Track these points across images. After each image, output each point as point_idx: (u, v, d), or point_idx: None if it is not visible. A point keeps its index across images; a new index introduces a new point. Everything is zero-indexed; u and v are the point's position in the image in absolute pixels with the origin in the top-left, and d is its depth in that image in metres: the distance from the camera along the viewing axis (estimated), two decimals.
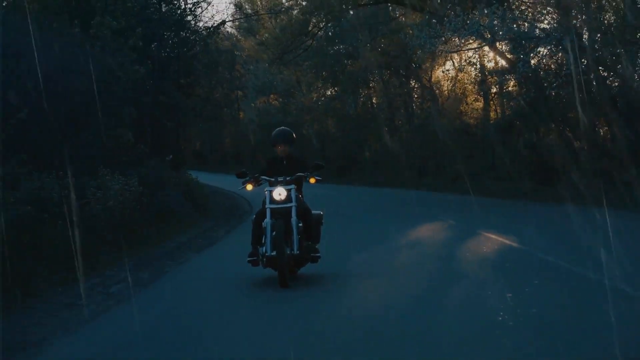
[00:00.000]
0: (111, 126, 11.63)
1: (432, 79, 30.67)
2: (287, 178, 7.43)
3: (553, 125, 22.52)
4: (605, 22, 19.32)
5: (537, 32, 18.97)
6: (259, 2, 36.78)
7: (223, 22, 23.00)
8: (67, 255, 7.30)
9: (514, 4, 20.92)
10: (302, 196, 7.70)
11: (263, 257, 7.24)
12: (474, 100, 28.77)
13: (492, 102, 26.66)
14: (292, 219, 7.19)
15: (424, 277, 7.69)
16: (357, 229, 13.05)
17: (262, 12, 29.16)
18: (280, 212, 7.19)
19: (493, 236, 10.65)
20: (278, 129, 8.00)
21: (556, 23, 19.40)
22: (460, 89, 28.32)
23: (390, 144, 31.72)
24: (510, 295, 6.22)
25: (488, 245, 9.99)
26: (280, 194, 7.25)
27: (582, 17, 19.82)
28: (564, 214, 13.56)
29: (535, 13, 21.02)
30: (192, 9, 16.59)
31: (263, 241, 7.23)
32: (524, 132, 23.53)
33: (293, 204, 7.26)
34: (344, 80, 33.19)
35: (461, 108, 29.06)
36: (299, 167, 7.64)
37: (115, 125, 11.77)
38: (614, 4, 18.69)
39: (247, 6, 44.69)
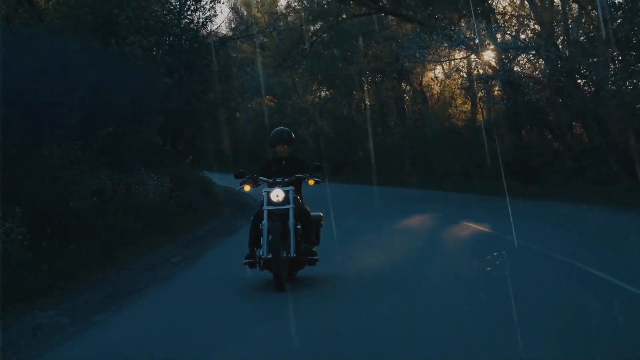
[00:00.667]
0: (143, 131, 13.65)
1: (423, 83, 32.74)
2: (286, 179, 7.47)
3: (533, 128, 24.71)
4: (581, 34, 21.47)
5: (519, 42, 21.14)
6: (256, 9, 38.59)
7: (233, 37, 24.96)
8: (131, 235, 9.46)
9: (498, 14, 23.15)
10: (301, 198, 7.70)
11: (260, 259, 7.26)
12: (462, 103, 30.85)
13: (479, 105, 28.70)
14: (289, 221, 7.20)
15: (411, 250, 9.84)
16: (353, 221, 14.91)
17: (264, 26, 31.05)
18: (278, 214, 7.20)
19: (471, 224, 12.72)
20: (277, 129, 7.99)
21: (536, 35, 21.61)
22: (448, 93, 30.39)
23: (383, 144, 33.83)
24: (474, 261, 8.57)
25: (466, 231, 12.09)
26: (278, 196, 7.27)
27: (560, 29, 22.03)
28: (538, 208, 15.65)
29: (518, 25, 23.25)
30: (205, 23, 18.56)
31: (261, 243, 7.24)
32: (507, 134, 25.66)
33: (291, 205, 7.27)
34: (339, 83, 35.34)
35: (450, 111, 31.17)
36: (298, 168, 7.65)
37: (147, 131, 13.79)
38: (587, 19, 20.78)
39: (243, 10, 46.78)
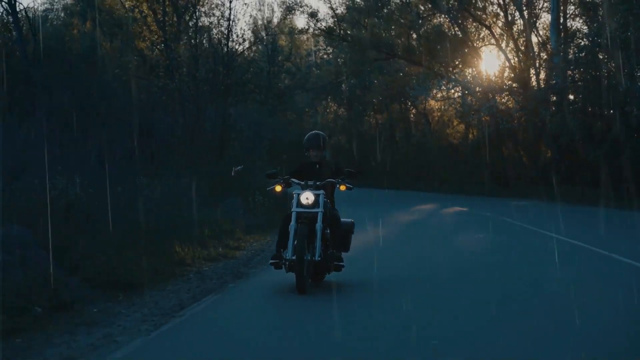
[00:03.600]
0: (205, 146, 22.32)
1: (426, 107, 41.72)
2: (317, 183, 7.60)
3: (509, 146, 33.72)
4: (541, 80, 30.52)
5: (497, 85, 30.20)
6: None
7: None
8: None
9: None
10: (332, 203, 7.85)
11: (286, 260, 7.44)
12: (457, 124, 39.76)
13: (470, 128, 37.67)
14: (317, 225, 7.34)
15: (417, 228, 18.64)
16: (367, 213, 17.69)
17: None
18: (307, 217, 7.36)
19: (457, 208, 21.69)
20: (311, 132, 8.13)
21: (509, 79, 30.73)
22: (446, 117, 39.42)
23: (392, 156, 42.64)
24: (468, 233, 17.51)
25: (456, 212, 21.08)
26: (307, 198, 7.44)
27: (527, 75, 31.09)
28: (506, 203, 24.46)
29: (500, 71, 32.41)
30: (244, 51, 27.18)
31: (288, 245, 7.40)
32: (491, 150, 34.66)
33: (320, 209, 7.40)
34: (356, 105, 44.41)
35: (447, 131, 40.18)
36: (331, 173, 7.83)
37: (208, 146, 22.49)
38: (545, 71, 29.90)
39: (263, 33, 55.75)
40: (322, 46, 40.71)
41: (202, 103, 19.84)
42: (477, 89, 30.17)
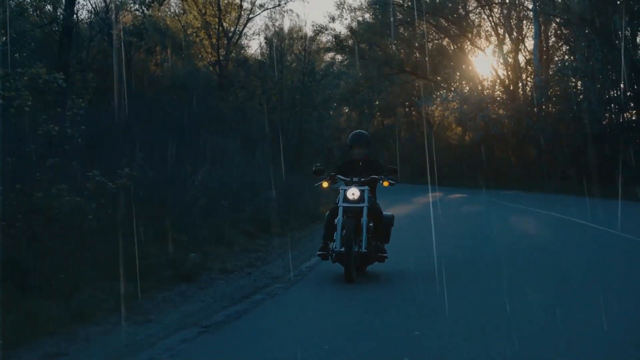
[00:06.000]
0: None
1: (428, 112, 49.21)
2: (362, 179, 8.16)
3: (500, 147, 41.30)
4: (528, 92, 38.07)
5: (489, 98, 37.74)
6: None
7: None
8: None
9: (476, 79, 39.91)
10: (374, 198, 8.36)
11: (332, 252, 7.98)
12: (455, 127, 47.27)
13: (466, 131, 45.18)
14: (362, 219, 7.82)
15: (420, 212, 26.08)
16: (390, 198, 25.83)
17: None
18: (352, 211, 7.83)
19: (458, 195, 29.08)
20: (355, 131, 8.79)
21: (498, 91, 38.32)
22: (446, 122, 46.97)
23: (397, 154, 50.05)
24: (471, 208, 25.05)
25: (458, 197, 28.47)
26: (353, 194, 7.91)
27: (514, 87, 38.64)
28: (495, 193, 31.80)
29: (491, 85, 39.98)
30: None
31: (334, 237, 7.95)
32: (484, 151, 42.17)
33: (365, 204, 7.90)
34: (366, 109, 51.99)
35: (447, 133, 47.76)
36: (374, 170, 8.37)
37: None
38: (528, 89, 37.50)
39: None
40: (339, 58, 48.23)
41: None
42: (473, 99, 37.67)
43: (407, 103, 50.45)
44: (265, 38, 35.65)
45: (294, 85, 29.80)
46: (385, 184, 8.25)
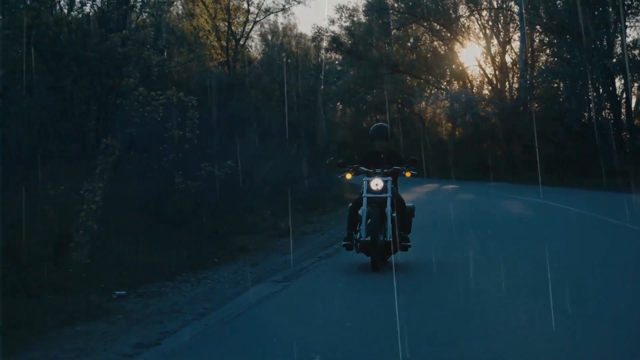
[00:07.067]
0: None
1: (420, 109, 52.65)
2: (385, 170, 8.44)
3: (488, 141, 44.87)
4: (514, 91, 41.64)
5: (477, 96, 41.29)
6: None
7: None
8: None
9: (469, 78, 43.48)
10: (396, 188, 8.62)
11: (357, 242, 8.33)
12: (446, 123, 50.76)
13: (457, 127, 48.69)
14: (386, 209, 8.13)
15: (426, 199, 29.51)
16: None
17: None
18: (376, 202, 8.16)
19: (451, 186, 32.56)
20: (376, 124, 9.22)
21: (488, 90, 41.88)
22: (438, 118, 50.52)
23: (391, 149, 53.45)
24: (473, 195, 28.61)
25: (451, 188, 31.95)
26: (377, 185, 8.25)
27: (502, 86, 42.17)
28: (483, 184, 35.26)
29: (480, 84, 43.54)
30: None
31: (358, 227, 8.32)
32: (473, 146, 45.72)
33: (389, 194, 8.22)
34: (361, 106, 55.47)
35: (438, 129, 51.29)
36: (395, 161, 8.66)
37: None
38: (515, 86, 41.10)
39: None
40: (337, 57, 51.72)
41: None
42: (463, 98, 41.20)
43: (399, 100, 53.96)
44: (271, 41, 39.21)
45: (309, 88, 33.12)
46: (408, 174, 8.63)
